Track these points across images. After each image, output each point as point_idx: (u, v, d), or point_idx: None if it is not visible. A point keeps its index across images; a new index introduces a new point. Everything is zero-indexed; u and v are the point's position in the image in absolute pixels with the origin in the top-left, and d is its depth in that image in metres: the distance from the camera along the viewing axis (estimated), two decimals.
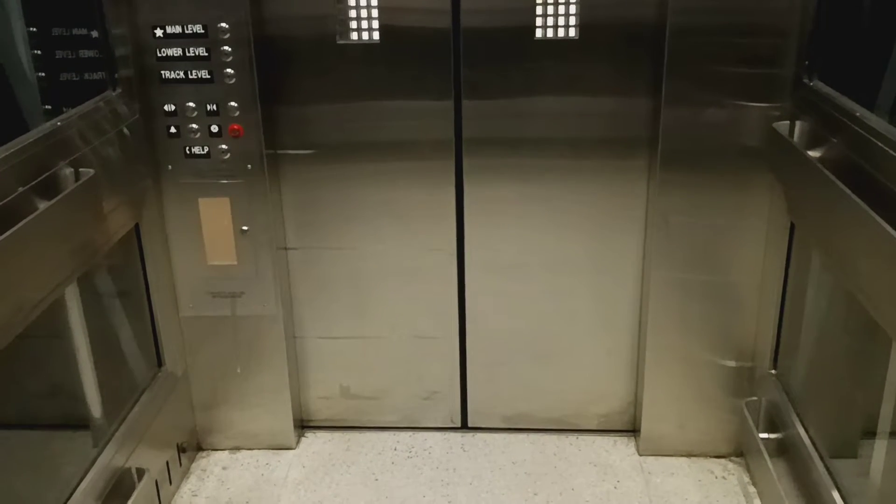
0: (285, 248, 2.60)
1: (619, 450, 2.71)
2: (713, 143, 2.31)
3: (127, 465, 2.22)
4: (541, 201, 2.51)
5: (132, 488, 2.21)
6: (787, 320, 2.35)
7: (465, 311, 2.68)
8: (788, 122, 2.21)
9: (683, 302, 2.49)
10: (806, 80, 2.17)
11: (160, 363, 2.51)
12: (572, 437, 2.77)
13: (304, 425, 2.85)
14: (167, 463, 2.49)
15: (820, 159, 2.01)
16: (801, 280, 2.27)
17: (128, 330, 2.41)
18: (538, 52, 2.35)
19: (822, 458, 2.12)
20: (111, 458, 2.15)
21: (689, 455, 2.67)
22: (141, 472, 2.24)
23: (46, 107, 2.29)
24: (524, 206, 2.52)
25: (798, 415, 2.28)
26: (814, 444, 2.17)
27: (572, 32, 2.32)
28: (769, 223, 2.37)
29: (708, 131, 2.29)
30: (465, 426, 2.82)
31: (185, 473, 2.65)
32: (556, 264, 2.59)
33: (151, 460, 2.37)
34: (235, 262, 2.52)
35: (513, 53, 2.36)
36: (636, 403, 2.72)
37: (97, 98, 2.19)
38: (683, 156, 2.33)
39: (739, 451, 2.65)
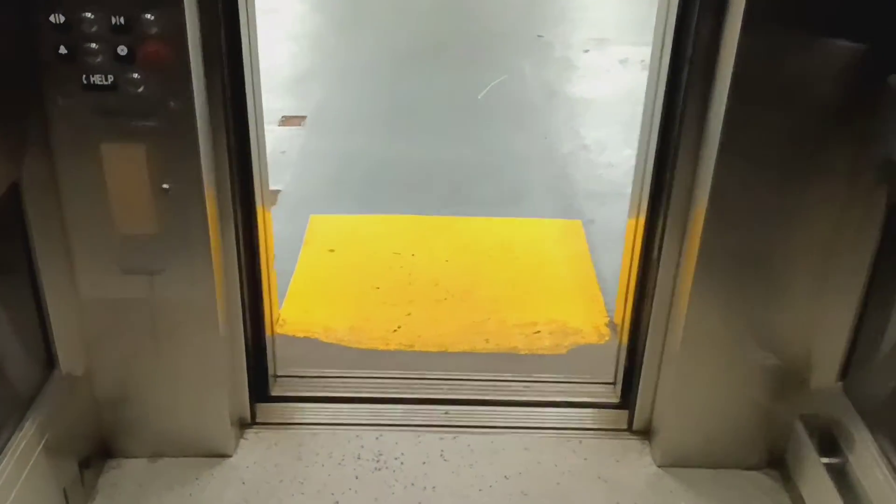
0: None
1: (631, 460, 2.24)
2: (793, 84, 1.76)
3: None
4: None
5: None
6: (867, 325, 1.87)
7: None
8: None
9: (729, 287, 1.99)
10: None
11: (53, 364, 1.89)
12: (574, 443, 2.29)
13: (242, 423, 2.29)
14: (65, 491, 1.91)
15: None
16: None
17: (6, 327, 1.77)
18: None
19: None
20: None
21: (713, 467, 2.23)
22: None
23: None
24: None
25: (875, 439, 1.83)
26: None
27: None
28: (847, 203, 1.86)
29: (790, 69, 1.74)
30: None
31: (91, 494, 2.07)
32: None
33: (45, 490, 1.80)
34: (155, 231, 1.90)
35: None
36: (654, 401, 2.25)
37: None
38: (757, 93, 1.77)
39: (770, 464, 2.22)
